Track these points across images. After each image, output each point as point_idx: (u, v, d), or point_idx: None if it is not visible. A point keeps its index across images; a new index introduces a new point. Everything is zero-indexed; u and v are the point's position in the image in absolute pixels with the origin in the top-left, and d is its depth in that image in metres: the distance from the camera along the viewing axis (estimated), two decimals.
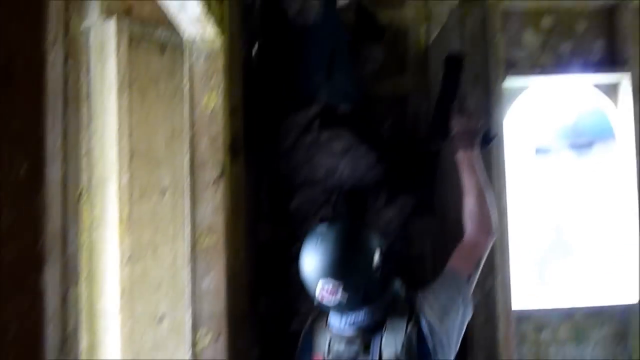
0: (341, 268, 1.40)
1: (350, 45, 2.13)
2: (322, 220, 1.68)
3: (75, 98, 0.66)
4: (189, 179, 1.58)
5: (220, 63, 1.56)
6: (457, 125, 1.73)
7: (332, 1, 2.10)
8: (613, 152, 2.77)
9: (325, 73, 1.92)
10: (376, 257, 1.43)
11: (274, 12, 1.92)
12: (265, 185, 2.03)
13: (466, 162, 1.68)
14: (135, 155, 2.06)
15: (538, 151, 4.69)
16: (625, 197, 2.59)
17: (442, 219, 2.16)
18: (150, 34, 2.08)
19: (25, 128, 0.56)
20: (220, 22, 1.55)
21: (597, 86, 2.55)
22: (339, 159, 1.90)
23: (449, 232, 2.03)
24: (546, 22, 2.52)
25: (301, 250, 1.47)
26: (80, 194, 0.63)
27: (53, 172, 0.60)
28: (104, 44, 2.03)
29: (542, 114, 4.11)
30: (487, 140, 1.78)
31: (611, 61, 2.50)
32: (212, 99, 1.55)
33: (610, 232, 3.31)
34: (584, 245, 4.35)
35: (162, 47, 2.15)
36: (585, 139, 4.29)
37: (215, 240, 1.54)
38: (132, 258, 1.97)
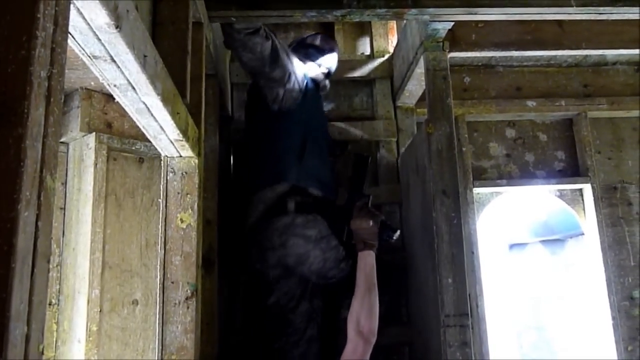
0: None
1: (327, 135, 2.19)
2: None
3: (43, 255, 0.67)
4: (160, 296, 1.55)
5: (195, 182, 1.59)
6: (353, 226, 1.83)
7: (314, 91, 2.16)
8: (584, 247, 2.81)
9: (297, 155, 1.94)
10: None
11: (253, 96, 1.99)
12: (240, 297, 2.00)
13: (360, 261, 1.77)
14: (107, 268, 2.03)
15: (512, 247, 4.75)
16: (597, 292, 2.60)
17: (417, 328, 2.14)
18: (129, 147, 2.13)
19: None
20: (197, 143, 1.60)
21: (562, 191, 2.65)
22: (310, 246, 1.86)
23: (423, 340, 2.01)
24: (510, 133, 2.65)
25: None
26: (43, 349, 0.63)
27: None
28: (83, 157, 2.06)
29: (515, 214, 4.22)
30: (387, 236, 1.87)
31: (573, 170, 2.62)
32: (186, 217, 1.57)
33: (586, 325, 3.29)
34: (565, 343, 4.29)
35: (141, 159, 2.19)
36: (558, 236, 4.37)
37: None
38: None
